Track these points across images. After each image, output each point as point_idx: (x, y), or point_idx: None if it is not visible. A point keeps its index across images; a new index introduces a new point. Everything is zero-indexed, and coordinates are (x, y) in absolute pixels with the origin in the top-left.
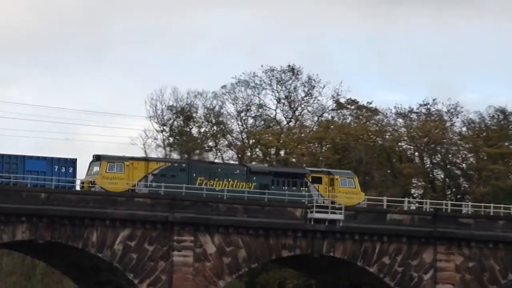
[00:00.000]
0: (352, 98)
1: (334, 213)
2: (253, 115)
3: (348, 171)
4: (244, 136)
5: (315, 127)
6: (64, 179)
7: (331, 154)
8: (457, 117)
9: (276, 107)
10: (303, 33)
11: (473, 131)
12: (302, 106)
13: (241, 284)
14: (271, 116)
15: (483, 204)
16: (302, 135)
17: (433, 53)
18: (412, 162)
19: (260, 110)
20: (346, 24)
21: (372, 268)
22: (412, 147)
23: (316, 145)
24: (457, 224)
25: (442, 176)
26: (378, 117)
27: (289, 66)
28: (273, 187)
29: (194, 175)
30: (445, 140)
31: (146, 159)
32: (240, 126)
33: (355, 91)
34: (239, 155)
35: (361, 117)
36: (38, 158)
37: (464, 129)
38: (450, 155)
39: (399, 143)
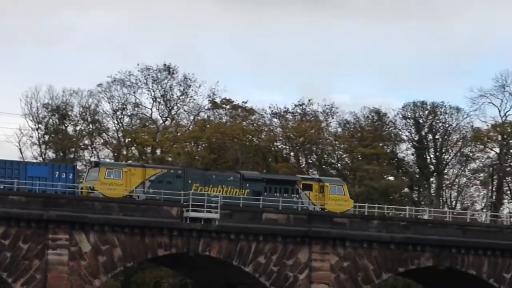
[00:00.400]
0: (228, 98)
1: (210, 212)
2: (129, 113)
3: (338, 178)
4: (120, 134)
5: (191, 126)
6: (65, 185)
7: (207, 153)
8: (333, 118)
9: (152, 106)
10: (176, 33)
11: (348, 132)
12: (178, 105)
13: (116, 283)
14: (147, 115)
15: (358, 204)
16: (178, 134)
17: (304, 53)
18: (288, 161)
19: (136, 109)
20: (217, 24)
21: (248, 267)
22: (287, 147)
23: (192, 144)
24: (332, 223)
25: (318, 175)
26: (253, 116)
27: (165, 65)
28: (265, 193)
29: (190, 181)
30: (320, 140)
31: (143, 166)
32: (116, 125)
33: (231, 91)
34: (115, 154)
35: (237, 116)
36: (39, 164)
37: (339, 129)
38: (325, 155)
39: (275, 143)
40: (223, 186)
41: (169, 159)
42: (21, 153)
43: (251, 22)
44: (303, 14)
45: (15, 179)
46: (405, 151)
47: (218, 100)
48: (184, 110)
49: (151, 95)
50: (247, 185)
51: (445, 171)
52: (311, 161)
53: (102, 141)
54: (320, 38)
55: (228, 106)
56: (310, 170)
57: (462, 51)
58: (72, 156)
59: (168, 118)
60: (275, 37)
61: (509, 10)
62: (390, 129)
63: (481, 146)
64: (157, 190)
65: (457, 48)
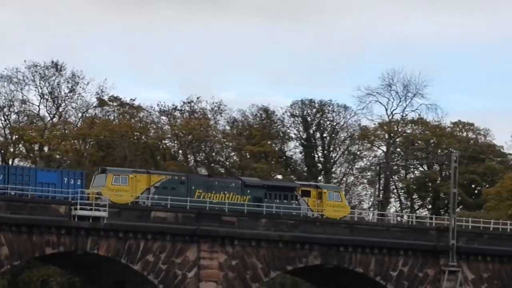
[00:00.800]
0: (116, 95)
1: (98, 210)
2: (16, 110)
3: (335, 185)
4: (7, 132)
5: (79, 124)
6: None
7: (95, 151)
8: (221, 115)
9: (40, 103)
10: (62, 31)
11: (236, 130)
12: (66, 102)
13: (3, 282)
14: (35, 112)
15: (247, 203)
16: (66, 131)
17: (188, 51)
18: (176, 159)
19: (24, 105)
20: (103, 23)
21: (136, 265)
22: (176, 144)
23: (80, 141)
24: (220, 222)
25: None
26: (141, 114)
27: (52, 62)
28: (266, 199)
29: (193, 187)
30: (208, 138)
31: (148, 172)
32: (2, 122)
33: (120, 88)
34: (2, 151)
35: (125, 114)
36: (48, 170)
37: (227, 127)
38: (213, 153)
39: (163, 141)
40: (225, 192)
41: (57, 156)
42: None
43: (136, 21)
44: (187, 12)
45: (25, 185)
46: (293, 149)
47: (106, 97)
48: (72, 107)
49: (38, 92)
50: (248, 191)
51: (333, 169)
52: (199, 159)
53: None
54: (204, 35)
55: (115, 104)
56: (199, 168)
57: (348, 50)
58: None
59: (56, 115)
60: (160, 36)
61: (390, 9)
62: (278, 127)
63: (368, 145)
64: (162, 196)
65: (343, 46)
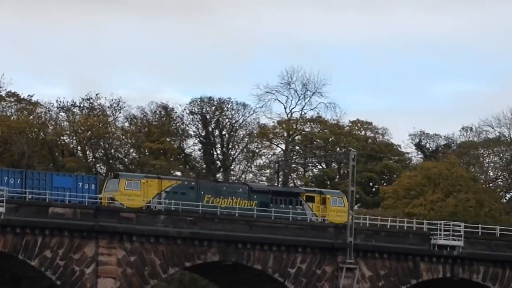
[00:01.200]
0: (13, 91)
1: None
2: None
3: (338, 191)
4: None
5: None
6: (88, 195)
7: None
8: (120, 112)
9: None
10: None
11: (135, 127)
12: None
13: None
14: None
15: (146, 199)
16: None
17: (84, 48)
18: (75, 156)
19: None
20: None
21: (33, 261)
22: (74, 141)
23: None
24: (119, 218)
25: (105, 170)
26: (40, 110)
27: None
28: (272, 205)
29: (202, 193)
30: (107, 135)
31: (159, 177)
32: None
33: (18, 85)
34: None
35: (23, 110)
36: (64, 175)
37: (126, 124)
38: (112, 150)
39: (62, 137)
40: (233, 197)
41: None
42: None
43: (30, 18)
44: (83, 10)
45: (42, 189)
46: (192, 146)
47: (3, 93)
48: None
49: None
50: (255, 196)
51: (232, 166)
52: (98, 156)
53: None
54: (99, 32)
55: (13, 99)
56: (98, 165)
57: (246, 48)
58: None
59: None
60: (54, 32)
61: (289, 8)
62: (178, 124)
63: (267, 143)
64: (172, 201)
65: (241, 45)
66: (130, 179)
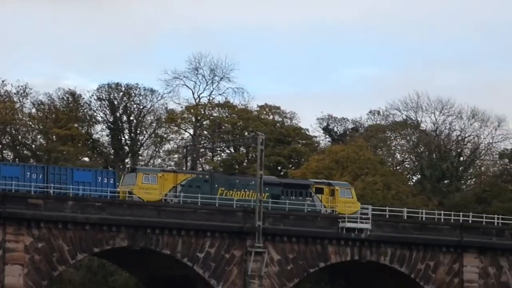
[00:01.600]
0: None
1: None
2: None
3: (346, 182)
4: None
5: None
6: (107, 189)
7: None
8: (27, 99)
9: None
10: None
11: (43, 113)
12: None
13: None
14: None
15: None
16: None
17: None
18: None
19: None
20: None
21: None
22: None
23: None
24: (26, 204)
25: (12, 157)
26: None
27: None
28: (283, 197)
29: (216, 186)
30: (14, 121)
31: (175, 171)
32: None
33: None
34: None
35: None
36: (84, 170)
37: (34, 110)
38: (19, 136)
39: None
40: (246, 190)
41: None
42: None
43: None
44: None
45: (63, 184)
46: (100, 132)
47: None
48: None
49: None
50: (267, 189)
51: (140, 152)
52: (5, 142)
53: None
54: (1, 18)
55: None
56: (4, 151)
57: (151, 34)
58: None
59: None
60: None
61: None
62: (85, 110)
63: (175, 128)
64: (188, 194)
65: (147, 31)
66: (147, 173)
